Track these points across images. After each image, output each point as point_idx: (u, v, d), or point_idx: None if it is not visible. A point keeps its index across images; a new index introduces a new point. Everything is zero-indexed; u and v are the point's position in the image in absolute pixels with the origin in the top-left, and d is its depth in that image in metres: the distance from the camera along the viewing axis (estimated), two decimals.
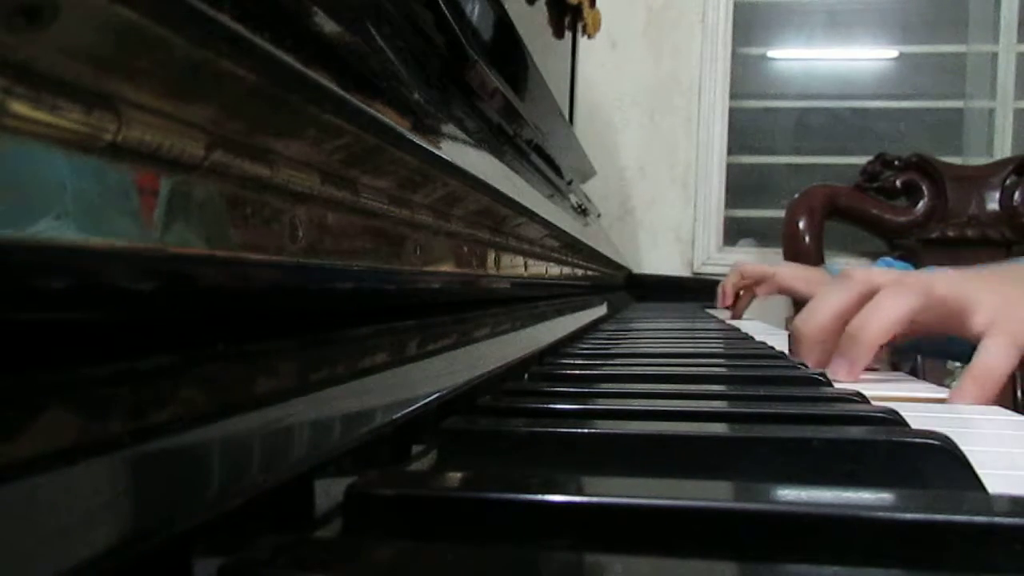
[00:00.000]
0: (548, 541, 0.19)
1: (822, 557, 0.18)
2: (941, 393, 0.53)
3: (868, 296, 0.54)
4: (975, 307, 0.54)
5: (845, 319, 0.55)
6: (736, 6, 2.14)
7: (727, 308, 1.33)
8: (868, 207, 1.91)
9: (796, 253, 1.84)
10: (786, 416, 0.31)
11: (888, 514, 0.18)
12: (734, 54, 2.15)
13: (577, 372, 0.50)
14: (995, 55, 2.08)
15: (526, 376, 0.48)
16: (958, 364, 1.26)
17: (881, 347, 0.54)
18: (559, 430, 0.28)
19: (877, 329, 0.53)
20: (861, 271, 0.58)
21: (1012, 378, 1.59)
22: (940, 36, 2.13)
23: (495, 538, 0.19)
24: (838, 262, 1.95)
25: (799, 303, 1.19)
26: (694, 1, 2.12)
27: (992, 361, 0.51)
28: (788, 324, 1.22)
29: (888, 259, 1.14)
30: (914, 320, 0.53)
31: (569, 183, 1.05)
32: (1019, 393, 1.65)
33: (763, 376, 0.47)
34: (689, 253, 2.15)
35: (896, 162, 1.92)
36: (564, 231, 0.66)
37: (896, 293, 0.54)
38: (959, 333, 0.55)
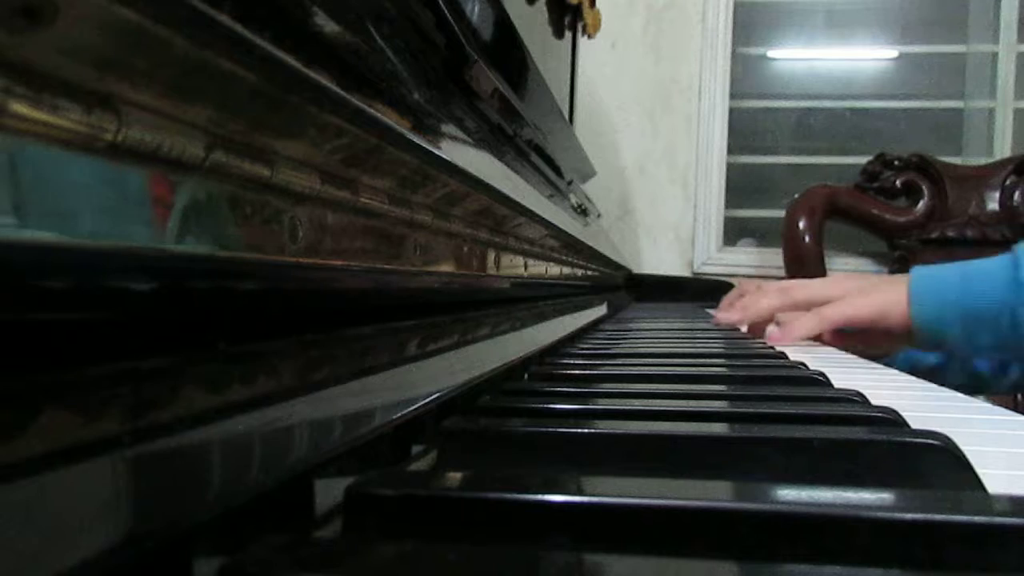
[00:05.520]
0: (548, 541, 0.19)
1: (822, 557, 0.18)
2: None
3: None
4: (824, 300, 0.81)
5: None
6: (736, 6, 2.14)
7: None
8: (868, 207, 1.91)
9: (796, 253, 1.84)
10: (786, 416, 0.32)
11: (888, 514, 0.18)
12: (734, 54, 2.15)
13: (577, 372, 0.50)
14: (995, 55, 2.08)
15: (526, 376, 0.48)
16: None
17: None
18: (559, 430, 0.28)
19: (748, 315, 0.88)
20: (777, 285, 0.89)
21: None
22: (940, 36, 2.13)
23: (495, 538, 0.19)
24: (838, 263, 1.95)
25: None
26: (694, 1, 2.12)
27: (802, 323, 0.79)
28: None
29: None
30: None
31: (569, 183, 1.05)
32: (1019, 393, 1.65)
33: (763, 376, 0.47)
34: (689, 253, 2.14)
35: (896, 162, 1.92)
36: (564, 231, 0.66)
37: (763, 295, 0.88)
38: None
